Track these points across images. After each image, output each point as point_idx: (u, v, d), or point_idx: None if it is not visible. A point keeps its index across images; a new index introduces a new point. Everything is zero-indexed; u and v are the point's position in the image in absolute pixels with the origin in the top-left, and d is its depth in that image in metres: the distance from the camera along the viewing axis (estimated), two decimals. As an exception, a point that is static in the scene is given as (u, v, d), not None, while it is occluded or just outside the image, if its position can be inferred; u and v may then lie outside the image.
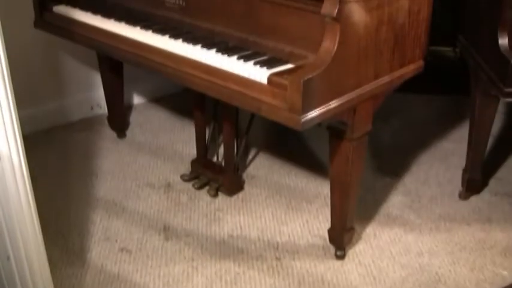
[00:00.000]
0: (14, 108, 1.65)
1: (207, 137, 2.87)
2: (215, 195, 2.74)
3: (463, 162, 2.73)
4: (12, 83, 1.63)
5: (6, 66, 1.61)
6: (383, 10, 2.00)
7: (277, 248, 2.45)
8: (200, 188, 2.78)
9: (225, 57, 2.04)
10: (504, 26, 2.20)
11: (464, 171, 2.73)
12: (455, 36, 2.68)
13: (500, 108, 3.39)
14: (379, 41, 2.02)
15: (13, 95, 1.66)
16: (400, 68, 2.17)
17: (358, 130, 2.10)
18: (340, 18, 1.82)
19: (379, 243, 2.48)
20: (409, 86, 2.33)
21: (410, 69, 2.22)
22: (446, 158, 3.11)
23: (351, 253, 2.41)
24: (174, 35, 2.25)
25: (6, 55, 1.61)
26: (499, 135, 3.32)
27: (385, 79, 2.10)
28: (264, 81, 1.88)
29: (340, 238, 2.36)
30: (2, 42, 1.59)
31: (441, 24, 2.64)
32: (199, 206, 2.69)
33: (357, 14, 1.89)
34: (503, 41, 2.20)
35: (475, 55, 2.44)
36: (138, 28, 2.38)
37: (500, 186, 2.86)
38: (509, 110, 3.56)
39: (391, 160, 3.09)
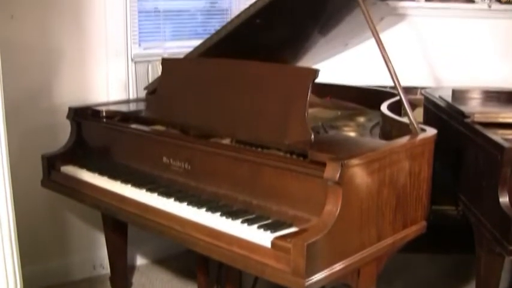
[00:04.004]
0: (18, 268, 1.65)
1: (210, 299, 2.83)
2: None
3: (471, 324, 2.67)
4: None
5: (13, 225, 1.63)
6: (384, 172, 2.04)
7: None
8: None
9: (229, 220, 2.06)
10: (504, 183, 2.22)
11: (474, 333, 2.66)
12: (456, 195, 2.70)
13: (506, 266, 3.36)
14: (381, 203, 2.05)
15: (18, 254, 1.66)
16: (403, 229, 2.18)
17: (362, 292, 2.09)
18: (342, 182, 1.85)
19: None
20: (411, 246, 2.32)
21: (412, 231, 2.23)
22: (453, 320, 3.05)
23: None
24: (179, 198, 2.28)
25: (14, 214, 1.63)
26: (507, 294, 3.27)
27: (387, 241, 2.11)
28: (268, 245, 1.89)
29: None
30: (10, 201, 1.62)
31: (442, 184, 2.68)
32: None
33: (359, 177, 1.93)
34: (503, 199, 2.22)
35: (477, 213, 2.45)
36: (143, 190, 2.42)
37: None
38: (515, 267, 3.52)
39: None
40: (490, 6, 3.95)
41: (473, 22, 3.95)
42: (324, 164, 1.88)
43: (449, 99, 2.91)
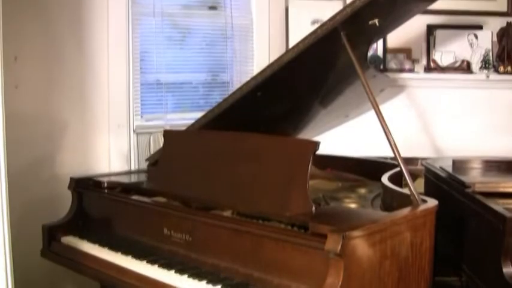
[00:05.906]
0: None
1: None
2: None
3: None
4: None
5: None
6: (386, 244, 2.03)
7: None
8: None
9: (230, 294, 2.05)
10: (506, 253, 2.20)
11: None
12: (459, 266, 2.68)
13: (512, 338, 3.30)
14: (383, 275, 2.03)
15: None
16: (406, 301, 2.16)
17: None
18: (344, 254, 1.84)
19: None
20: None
21: (415, 302, 2.21)
22: None
23: None
24: (180, 270, 2.27)
25: (13, 284, 1.63)
26: None
27: (390, 313, 2.09)
28: (269, 319, 1.87)
29: None
30: (10, 271, 1.61)
31: (444, 254, 2.66)
32: None
33: (360, 249, 1.92)
34: (507, 269, 2.20)
35: (481, 284, 2.42)
36: (144, 262, 2.40)
37: None
38: None
39: None
40: (488, 77, 4.01)
41: (472, 92, 4.01)
42: (325, 236, 1.88)
43: (449, 169, 2.92)
